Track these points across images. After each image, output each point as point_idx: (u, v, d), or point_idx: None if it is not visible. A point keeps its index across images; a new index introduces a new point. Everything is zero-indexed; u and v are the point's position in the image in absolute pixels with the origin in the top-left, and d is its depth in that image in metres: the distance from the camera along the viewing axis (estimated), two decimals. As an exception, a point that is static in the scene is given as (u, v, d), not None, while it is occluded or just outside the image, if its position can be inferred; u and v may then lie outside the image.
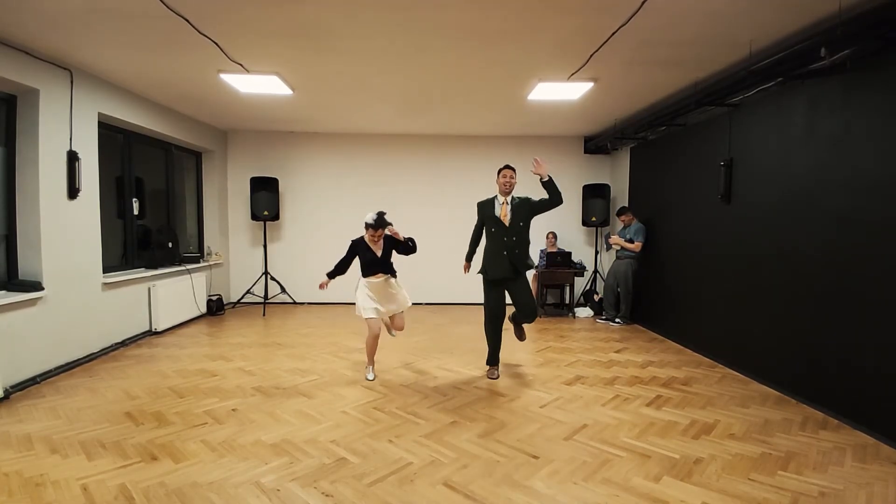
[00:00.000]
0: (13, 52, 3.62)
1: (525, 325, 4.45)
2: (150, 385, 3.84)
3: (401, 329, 4.29)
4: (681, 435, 3.03)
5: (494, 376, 4.11)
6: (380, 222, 3.85)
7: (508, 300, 4.06)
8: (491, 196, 4.08)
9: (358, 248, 3.97)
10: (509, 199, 3.96)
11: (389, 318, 4.19)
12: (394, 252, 4.03)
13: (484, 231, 4.13)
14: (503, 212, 3.95)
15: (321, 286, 4.01)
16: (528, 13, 3.18)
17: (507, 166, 3.99)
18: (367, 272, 3.97)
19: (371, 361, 4.13)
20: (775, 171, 3.91)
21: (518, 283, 4.00)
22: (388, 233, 3.94)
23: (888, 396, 2.93)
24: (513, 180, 3.95)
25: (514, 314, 4.27)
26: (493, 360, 4.16)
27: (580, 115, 6.09)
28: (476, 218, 4.21)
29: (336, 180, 7.50)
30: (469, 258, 4.35)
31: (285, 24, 3.38)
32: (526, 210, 3.97)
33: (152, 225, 5.87)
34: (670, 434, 3.04)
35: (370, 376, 4.08)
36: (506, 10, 3.13)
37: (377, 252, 3.94)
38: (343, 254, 4.02)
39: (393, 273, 4.06)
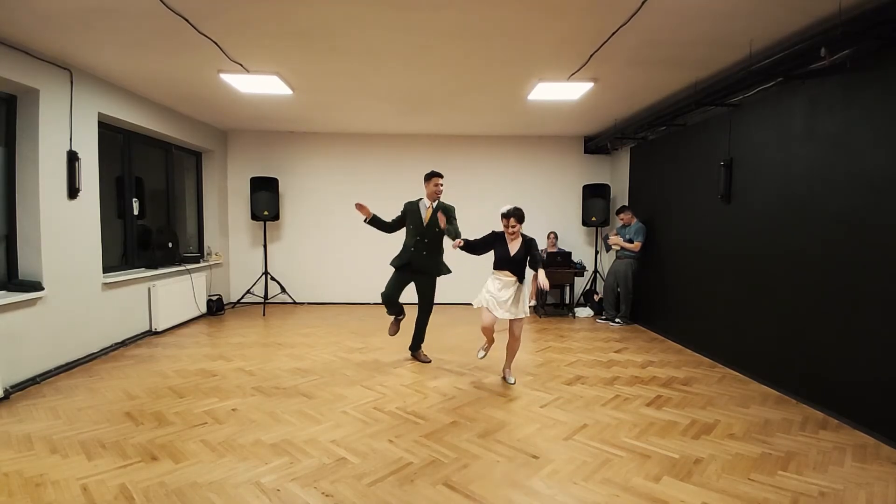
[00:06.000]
0: (13, 52, 3.62)
1: (516, 340, 4.28)
2: (150, 385, 3.84)
3: (517, 339, 3.92)
4: (681, 435, 3.03)
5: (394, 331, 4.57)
6: (512, 212, 3.77)
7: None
8: (417, 199, 4.40)
9: (495, 238, 3.86)
10: (435, 204, 4.31)
11: (509, 323, 3.91)
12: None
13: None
14: (427, 215, 4.32)
15: (454, 246, 3.91)
16: (528, 13, 3.18)
17: (438, 174, 4.31)
18: (496, 265, 3.89)
19: (488, 342, 4.14)
20: (775, 171, 3.91)
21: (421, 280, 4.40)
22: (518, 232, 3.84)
23: (888, 396, 2.93)
24: (441, 188, 4.31)
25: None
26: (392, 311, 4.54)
27: (580, 115, 6.09)
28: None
29: (336, 180, 7.49)
30: (373, 222, 4.38)
31: (285, 24, 3.38)
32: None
33: (152, 225, 5.86)
34: (670, 434, 3.04)
35: (480, 354, 4.23)
36: (506, 10, 3.13)
37: (511, 250, 3.80)
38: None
39: (521, 278, 3.82)
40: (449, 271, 4.45)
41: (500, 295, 3.78)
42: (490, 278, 3.92)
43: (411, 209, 4.36)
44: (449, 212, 4.22)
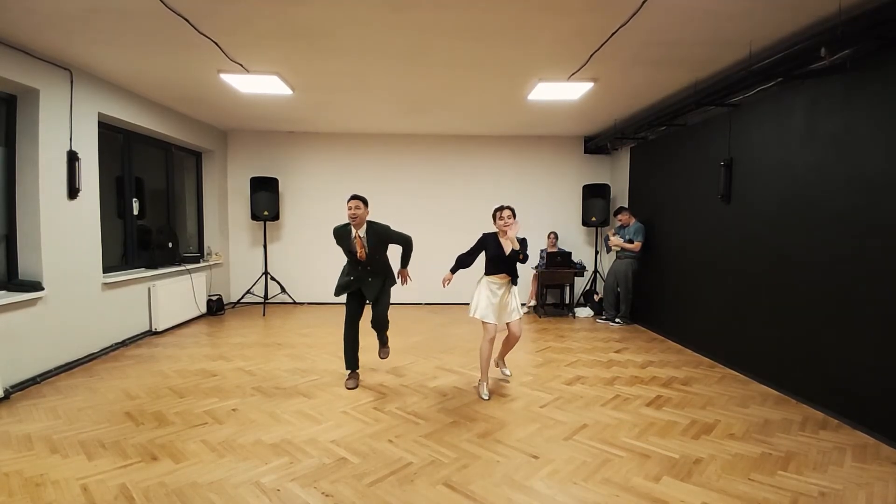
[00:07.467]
0: (13, 52, 3.62)
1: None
2: (150, 385, 3.84)
3: (518, 336, 3.82)
4: (681, 435, 3.03)
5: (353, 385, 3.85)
6: (506, 206, 3.67)
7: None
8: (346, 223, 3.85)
9: (487, 242, 3.73)
10: (364, 228, 3.80)
11: (506, 324, 3.77)
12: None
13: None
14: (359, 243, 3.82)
15: (444, 282, 3.78)
16: (528, 13, 3.18)
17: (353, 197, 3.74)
18: (491, 269, 3.73)
19: (485, 375, 3.69)
20: (775, 171, 3.90)
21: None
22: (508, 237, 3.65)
23: (888, 396, 2.93)
24: (359, 210, 3.71)
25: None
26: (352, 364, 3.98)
27: (580, 115, 6.09)
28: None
29: (336, 180, 7.49)
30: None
31: (285, 24, 3.38)
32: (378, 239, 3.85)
33: (152, 225, 5.86)
34: (670, 434, 3.04)
35: (484, 395, 3.62)
36: (506, 10, 3.13)
37: (506, 249, 3.65)
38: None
39: (515, 279, 3.76)
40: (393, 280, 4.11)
41: (499, 300, 3.68)
42: (483, 285, 3.72)
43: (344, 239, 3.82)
44: (382, 235, 3.84)
